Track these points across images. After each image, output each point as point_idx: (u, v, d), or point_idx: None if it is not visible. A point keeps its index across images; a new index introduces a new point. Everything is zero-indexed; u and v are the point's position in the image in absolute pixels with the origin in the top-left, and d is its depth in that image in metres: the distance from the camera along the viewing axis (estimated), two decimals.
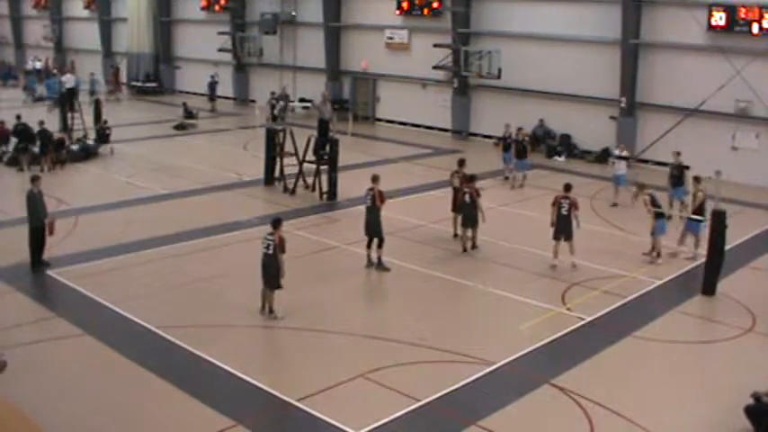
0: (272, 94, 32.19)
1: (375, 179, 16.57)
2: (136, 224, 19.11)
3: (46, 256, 15.94)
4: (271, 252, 13.43)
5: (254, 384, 11.18)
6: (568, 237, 16.45)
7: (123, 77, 46.44)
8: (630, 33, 27.00)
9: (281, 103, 31.87)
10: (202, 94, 41.41)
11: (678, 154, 20.47)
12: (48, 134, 25.39)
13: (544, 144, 29.39)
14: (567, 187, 16.82)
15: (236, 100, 41.67)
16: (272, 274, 13.48)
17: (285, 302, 14.00)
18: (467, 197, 17.48)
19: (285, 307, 13.90)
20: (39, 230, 15.67)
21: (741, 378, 11.54)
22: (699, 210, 16.84)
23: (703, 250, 16.58)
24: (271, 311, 13.69)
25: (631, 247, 17.78)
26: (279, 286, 13.53)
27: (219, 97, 41.06)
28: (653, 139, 26.60)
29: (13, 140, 26.10)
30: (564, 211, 16.39)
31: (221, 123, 33.45)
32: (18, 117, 26.98)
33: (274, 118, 30.62)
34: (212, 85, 40.17)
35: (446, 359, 12.20)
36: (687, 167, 20.07)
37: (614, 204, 21.62)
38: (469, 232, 17.75)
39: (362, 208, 17.04)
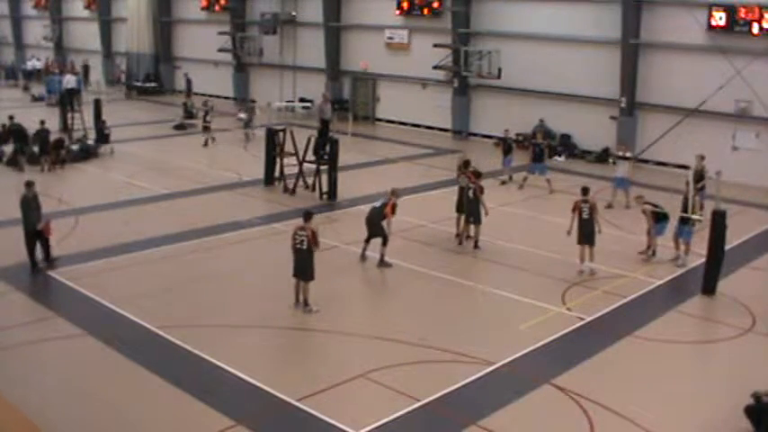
0: (205, 104, 32.01)
1: (394, 193, 16.55)
2: (136, 224, 19.10)
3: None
4: (305, 247, 13.54)
5: (254, 384, 11.18)
6: (590, 241, 16.21)
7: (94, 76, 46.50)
8: (630, 33, 27.01)
9: (244, 116, 31.54)
10: (202, 94, 41.43)
11: (702, 158, 19.76)
12: (47, 134, 25.41)
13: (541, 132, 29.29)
14: (585, 191, 16.59)
15: (236, 100, 41.67)
16: (306, 266, 13.62)
17: (285, 302, 14.03)
18: (470, 193, 17.53)
19: (285, 306, 13.93)
20: (33, 234, 15.68)
21: (741, 378, 11.55)
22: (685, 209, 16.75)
23: (693, 256, 16.62)
24: (306, 304, 13.80)
25: (631, 247, 17.77)
26: (312, 278, 13.72)
27: (219, 97, 41.32)
28: (653, 139, 26.60)
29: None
30: (585, 215, 16.13)
31: (221, 123, 33.43)
32: (11, 117, 27.03)
33: (205, 128, 30.13)
34: (188, 83, 41.10)
35: (446, 359, 12.20)
36: (686, 166, 19.95)
37: (609, 205, 21.57)
38: (471, 229, 17.79)
39: (363, 207, 17.06)
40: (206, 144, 29.77)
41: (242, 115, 31.93)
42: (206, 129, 30.09)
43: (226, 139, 30.79)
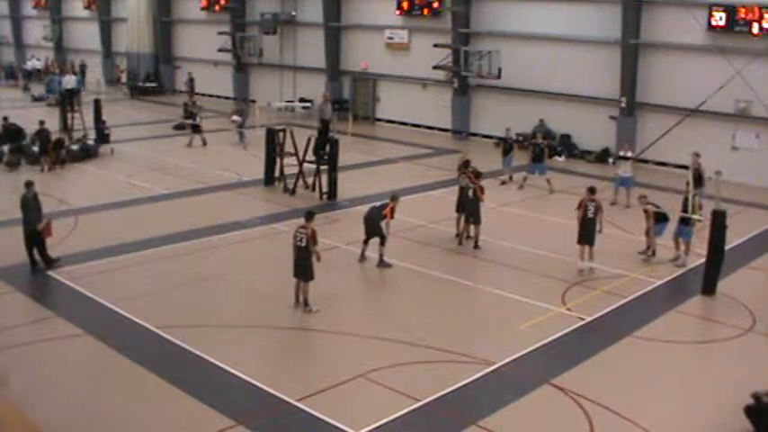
0: (193, 104, 31.50)
1: (394, 197, 16.57)
2: (136, 224, 19.10)
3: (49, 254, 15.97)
4: (304, 245, 13.57)
5: (254, 384, 11.18)
6: (590, 241, 16.18)
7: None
8: (630, 33, 27.01)
9: (237, 118, 30.91)
10: (202, 94, 41.49)
11: (697, 155, 19.70)
12: (47, 134, 25.44)
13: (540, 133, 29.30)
14: (592, 190, 16.47)
15: (237, 100, 41.68)
16: (305, 266, 13.64)
17: (285, 302, 14.03)
18: (470, 193, 17.55)
19: (285, 306, 13.94)
20: (33, 234, 15.68)
21: (741, 378, 11.54)
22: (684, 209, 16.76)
23: (693, 256, 16.62)
24: (306, 304, 13.81)
25: (631, 247, 17.77)
26: (312, 277, 13.72)
27: (219, 97, 41.42)
28: (653, 139, 26.56)
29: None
30: (590, 215, 16.08)
31: (221, 123, 33.44)
32: (5, 119, 27.08)
33: (195, 128, 29.57)
34: (190, 82, 41.32)
35: (446, 359, 12.20)
36: (686, 166, 19.95)
37: (613, 203, 21.63)
38: (471, 229, 17.80)
39: (363, 207, 17.05)
40: (191, 144, 29.45)
41: (235, 118, 31.22)
42: (196, 129, 29.66)
43: (225, 140, 30.75)
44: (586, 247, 16.24)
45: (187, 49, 45.30)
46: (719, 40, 25.13)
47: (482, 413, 10.55)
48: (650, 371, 12.13)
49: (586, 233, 16.15)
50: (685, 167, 19.55)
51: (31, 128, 26.56)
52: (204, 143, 29.50)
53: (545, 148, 24.00)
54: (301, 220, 14.02)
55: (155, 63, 46.68)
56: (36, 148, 25.44)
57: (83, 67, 46.97)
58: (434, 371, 11.88)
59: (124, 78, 47.40)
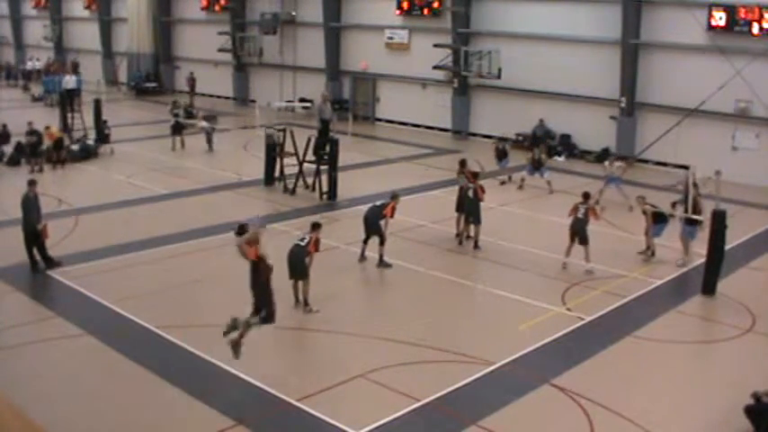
0: (174, 104, 30.78)
1: (395, 196, 16.61)
2: (136, 224, 19.10)
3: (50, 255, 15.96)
4: (303, 244, 13.66)
5: (254, 384, 11.18)
6: (582, 240, 16.38)
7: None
8: (630, 33, 27.02)
9: (206, 124, 29.84)
10: (202, 94, 41.50)
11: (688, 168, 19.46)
12: (37, 135, 25.44)
13: (543, 144, 29.33)
14: (586, 196, 16.88)
15: (237, 100, 41.70)
16: (301, 266, 13.67)
17: (285, 302, 14.00)
18: (470, 192, 17.59)
19: (285, 306, 13.92)
20: (33, 234, 15.67)
21: (741, 378, 11.54)
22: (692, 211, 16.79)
23: (694, 256, 16.62)
24: (306, 304, 13.84)
25: (631, 247, 17.78)
26: (308, 275, 13.74)
27: (219, 97, 41.39)
28: (653, 139, 26.58)
29: (13, 141, 26.16)
30: (580, 215, 16.44)
31: (221, 123, 33.42)
32: None
33: (176, 129, 28.83)
34: (191, 82, 41.39)
35: (446, 359, 12.20)
36: (686, 166, 19.85)
37: (597, 202, 21.74)
38: (471, 229, 17.82)
39: (363, 207, 17.04)
40: (174, 148, 28.78)
41: (204, 124, 29.90)
42: (177, 130, 29.07)
43: (224, 141, 30.73)
44: (575, 245, 16.47)
45: (187, 49, 45.29)
46: (719, 40, 25.13)
47: (482, 413, 10.54)
48: (650, 371, 12.13)
49: (577, 232, 16.46)
50: (685, 167, 19.54)
51: (22, 128, 26.46)
52: (176, 145, 29.04)
53: (544, 160, 23.81)
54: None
55: (155, 63, 46.68)
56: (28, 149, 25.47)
57: (76, 65, 46.86)
58: (434, 371, 11.88)
59: (125, 78, 47.38)
